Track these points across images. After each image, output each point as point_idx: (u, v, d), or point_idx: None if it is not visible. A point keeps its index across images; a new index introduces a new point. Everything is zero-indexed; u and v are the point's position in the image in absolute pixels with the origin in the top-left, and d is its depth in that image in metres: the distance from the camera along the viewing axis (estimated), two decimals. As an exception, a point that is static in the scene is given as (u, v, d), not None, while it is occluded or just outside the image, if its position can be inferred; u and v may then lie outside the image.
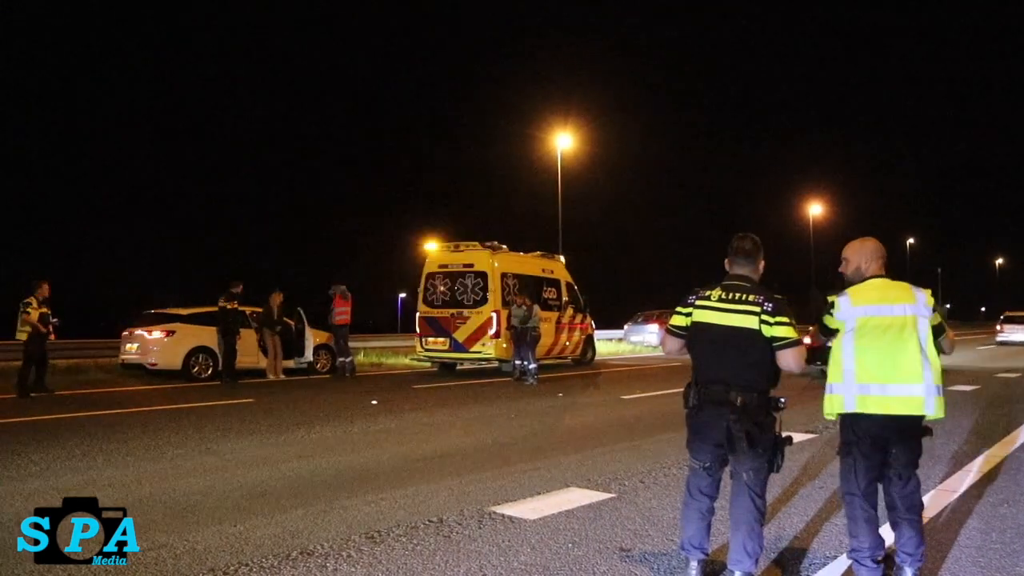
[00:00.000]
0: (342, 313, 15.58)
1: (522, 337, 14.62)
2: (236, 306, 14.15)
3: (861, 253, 3.69)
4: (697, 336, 3.58)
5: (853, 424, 3.48)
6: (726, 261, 3.67)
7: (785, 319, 3.39)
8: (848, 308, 3.50)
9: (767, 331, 3.38)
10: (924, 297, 3.51)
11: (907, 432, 3.48)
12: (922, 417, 3.44)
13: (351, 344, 16.07)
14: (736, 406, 3.36)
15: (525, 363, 14.46)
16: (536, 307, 14.96)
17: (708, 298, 3.54)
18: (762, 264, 3.64)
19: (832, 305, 3.58)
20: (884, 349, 3.41)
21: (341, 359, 15.61)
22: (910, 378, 3.39)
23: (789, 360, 3.40)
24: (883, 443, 3.47)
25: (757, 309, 3.39)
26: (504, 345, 15.53)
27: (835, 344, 3.52)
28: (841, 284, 3.74)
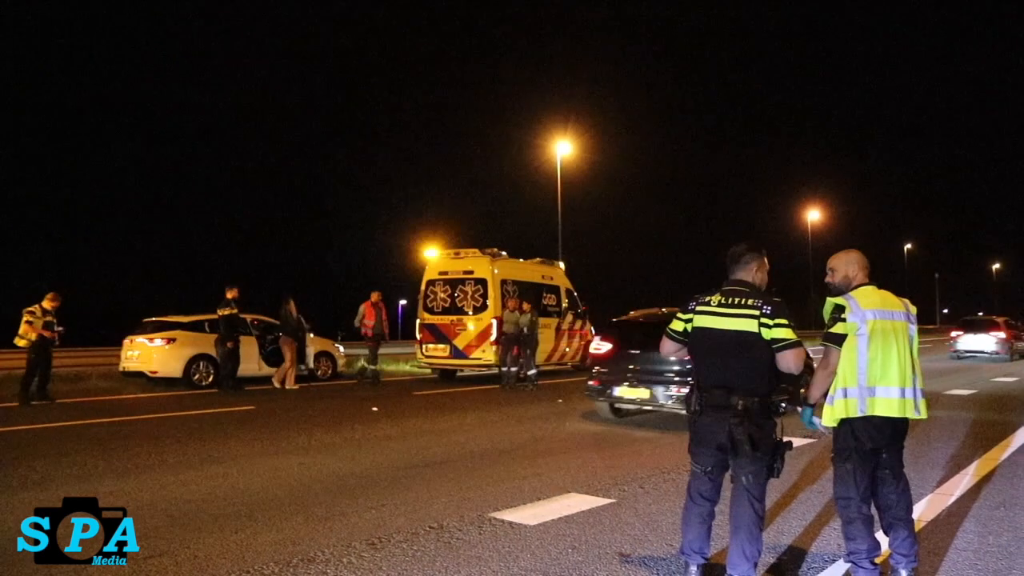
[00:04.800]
0: (369, 324, 15.73)
1: (512, 342, 14.63)
2: (235, 312, 14.11)
3: (847, 263, 3.75)
4: (698, 341, 3.61)
5: (854, 429, 3.51)
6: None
7: (784, 321, 3.43)
8: (860, 309, 3.52)
9: (767, 334, 3.42)
10: (908, 304, 3.64)
11: (900, 433, 3.59)
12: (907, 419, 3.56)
13: (352, 351, 16.06)
14: (738, 410, 3.39)
15: (514, 369, 14.50)
16: (533, 312, 15.00)
17: (708, 303, 3.59)
18: (763, 269, 3.67)
19: (837, 309, 3.60)
20: (892, 352, 3.48)
21: (372, 368, 15.87)
22: (913, 381, 3.51)
23: (789, 361, 3.44)
24: (879, 446, 3.53)
25: (756, 313, 3.44)
26: (504, 352, 15.55)
27: (847, 347, 3.53)
28: (827, 294, 3.78)
